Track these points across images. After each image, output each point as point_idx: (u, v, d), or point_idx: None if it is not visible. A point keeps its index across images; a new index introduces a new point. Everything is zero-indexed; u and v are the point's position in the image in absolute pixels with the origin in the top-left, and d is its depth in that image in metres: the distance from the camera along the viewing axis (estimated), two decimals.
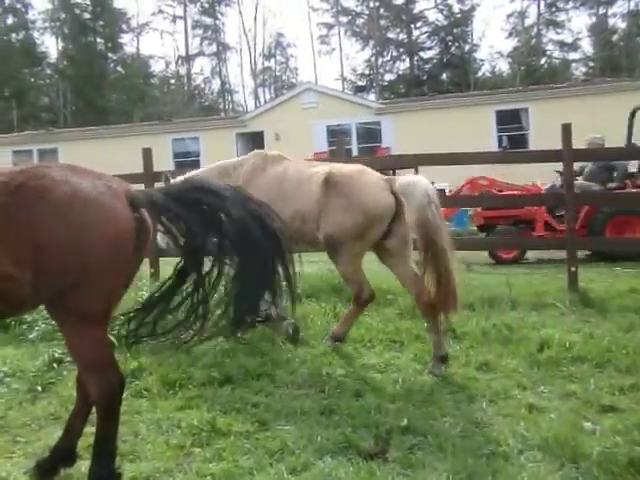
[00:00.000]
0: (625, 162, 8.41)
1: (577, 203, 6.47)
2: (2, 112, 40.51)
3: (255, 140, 17.82)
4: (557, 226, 8.19)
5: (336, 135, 17.98)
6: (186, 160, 17.59)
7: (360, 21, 40.36)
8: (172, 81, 48.00)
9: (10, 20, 41.40)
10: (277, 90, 45.48)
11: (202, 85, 46.41)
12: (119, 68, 44.71)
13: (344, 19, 41.08)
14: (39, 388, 3.46)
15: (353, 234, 3.90)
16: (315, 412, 3.17)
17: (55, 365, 3.71)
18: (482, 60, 40.55)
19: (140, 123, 25.03)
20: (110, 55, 44.41)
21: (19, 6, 41.49)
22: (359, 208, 3.86)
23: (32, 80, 42.95)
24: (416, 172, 10.48)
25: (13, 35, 41.27)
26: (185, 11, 44.37)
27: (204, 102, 45.38)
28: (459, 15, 38.12)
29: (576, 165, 7.11)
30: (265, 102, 35.46)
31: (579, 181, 8.10)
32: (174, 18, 44.96)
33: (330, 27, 42.15)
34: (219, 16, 44.90)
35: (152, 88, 45.86)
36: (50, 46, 46.20)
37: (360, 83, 39.57)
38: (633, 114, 8.99)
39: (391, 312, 5.03)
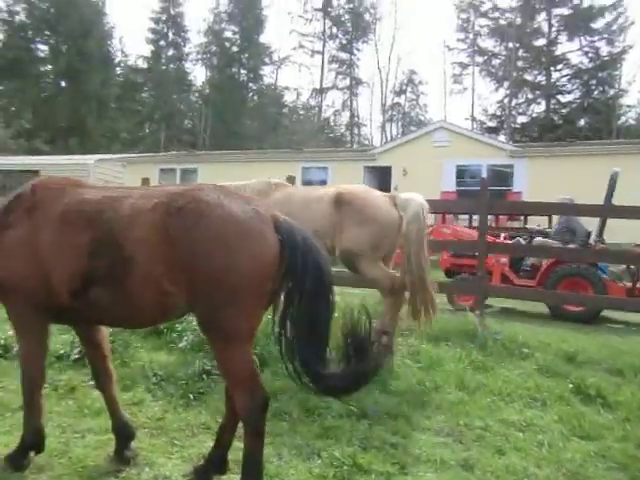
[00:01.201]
0: (585, 227, 8.46)
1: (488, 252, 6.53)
2: (152, 133, 44.93)
3: (383, 174, 18.02)
4: (514, 279, 8.33)
5: (464, 175, 17.77)
6: None
7: (496, 61, 39.64)
8: (303, 112, 50.32)
9: (170, 52, 46.01)
10: (405, 126, 45.93)
11: (332, 117, 48.12)
12: (256, 97, 47.75)
13: (480, 59, 40.61)
14: (191, 396, 3.69)
15: (371, 245, 4.35)
16: (455, 464, 3.07)
17: (204, 376, 3.94)
18: (629, 106, 37.86)
19: (273, 150, 26.41)
20: (250, 85, 47.66)
21: (179, 40, 46.05)
22: (373, 221, 4.34)
23: (179, 105, 47.20)
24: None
25: (170, 65, 45.76)
26: (324, 46, 46.59)
27: (332, 134, 46.96)
28: (607, 58, 35.97)
29: None
30: (394, 137, 35.86)
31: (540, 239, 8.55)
32: (312, 53, 47.34)
33: (464, 66, 41.87)
34: (355, 52, 46.55)
35: (284, 117, 48.37)
36: (198, 75, 50.71)
37: (490, 124, 38.62)
38: None
39: (528, 366, 4.76)
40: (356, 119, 47.81)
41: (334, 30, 46.44)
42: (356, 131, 48.35)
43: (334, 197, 4.43)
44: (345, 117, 48.19)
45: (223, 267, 2.28)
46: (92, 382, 3.79)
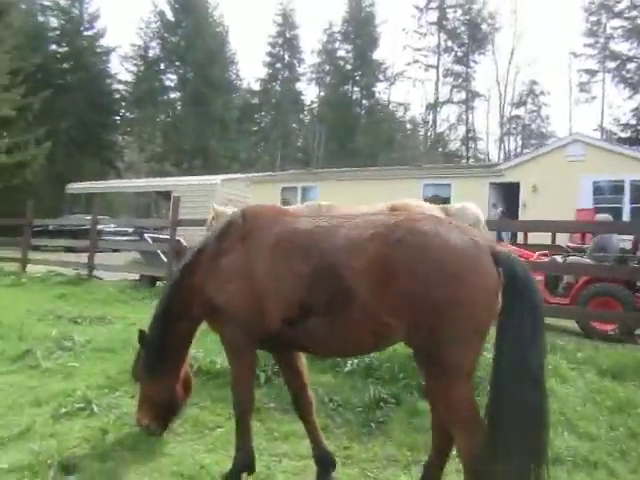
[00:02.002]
0: (615, 244, 8.10)
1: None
2: (269, 152, 46.91)
3: (510, 191, 17.22)
4: (548, 297, 8.03)
5: (603, 192, 16.47)
6: None
7: (631, 66, 36.62)
8: (416, 127, 49.88)
9: (285, 73, 47.98)
10: (525, 139, 43.88)
11: (446, 131, 47.23)
12: (370, 114, 48.17)
13: (611, 64, 37.80)
14: (372, 425, 3.65)
15: None
16: None
17: (382, 404, 3.88)
18: None
19: (391, 167, 26.31)
20: (364, 102, 48.20)
21: (294, 61, 47.93)
22: None
23: (294, 125, 48.93)
24: None
25: (285, 86, 47.68)
26: (439, 60, 45.99)
27: (447, 148, 46.05)
28: None
29: None
30: (521, 152, 34.25)
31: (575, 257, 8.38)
32: (427, 67, 46.88)
33: (593, 73, 39.24)
34: (471, 64, 45.44)
35: (398, 133, 48.25)
36: (311, 95, 52.25)
37: (623, 134, 35.65)
38: None
39: None
40: (472, 133, 46.54)
41: (449, 43, 45.75)
42: (472, 145, 47.06)
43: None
44: (461, 131, 47.14)
45: (450, 300, 2.20)
46: (272, 404, 3.93)
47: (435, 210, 4.46)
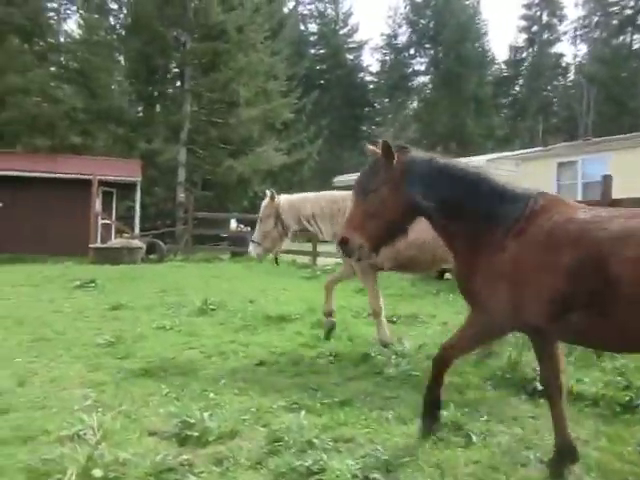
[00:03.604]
0: None
1: None
2: (527, 126, 43.21)
3: None
4: None
5: None
6: None
7: None
8: None
9: (544, 36, 43.44)
10: None
11: None
12: None
13: None
14: None
15: None
16: None
17: None
18: None
19: None
20: None
21: (554, 21, 43.05)
22: None
23: (555, 93, 44.04)
24: None
25: (545, 50, 43.17)
26: None
27: None
28: None
29: None
30: None
31: None
32: None
33: None
34: None
35: None
36: (571, 56, 46.27)
37: None
38: None
39: None
40: None
41: None
42: None
43: None
44: None
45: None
46: None
47: None
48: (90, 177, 16.96)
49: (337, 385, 4.20)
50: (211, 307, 7.09)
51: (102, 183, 18.25)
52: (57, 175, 18.48)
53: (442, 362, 3.02)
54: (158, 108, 29.42)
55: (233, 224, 20.40)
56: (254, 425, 3.40)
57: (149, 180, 22.51)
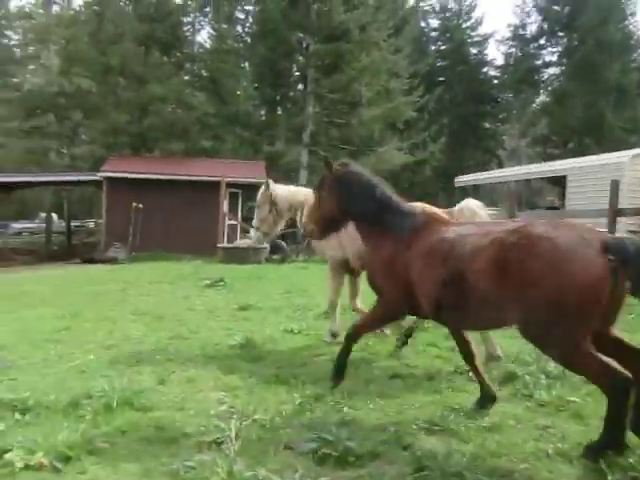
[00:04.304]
0: None
1: None
2: None
3: None
4: None
5: None
6: None
7: None
8: None
9: None
10: None
11: None
12: None
13: None
14: None
15: None
16: None
17: None
18: None
19: None
20: None
21: None
22: None
23: None
24: None
25: None
26: None
27: None
28: None
29: None
30: None
31: None
32: None
33: None
34: None
35: None
36: None
37: None
38: None
39: None
40: None
41: None
42: None
43: None
44: None
45: (553, 289, 2.68)
46: None
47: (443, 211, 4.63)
48: (219, 179, 17.79)
49: (481, 406, 3.80)
50: None
51: (229, 185, 19.08)
52: (190, 177, 19.67)
53: (352, 338, 3.89)
54: (279, 111, 30.33)
55: None
56: (395, 447, 3.14)
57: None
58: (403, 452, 3.06)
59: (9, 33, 40.26)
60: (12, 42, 39.08)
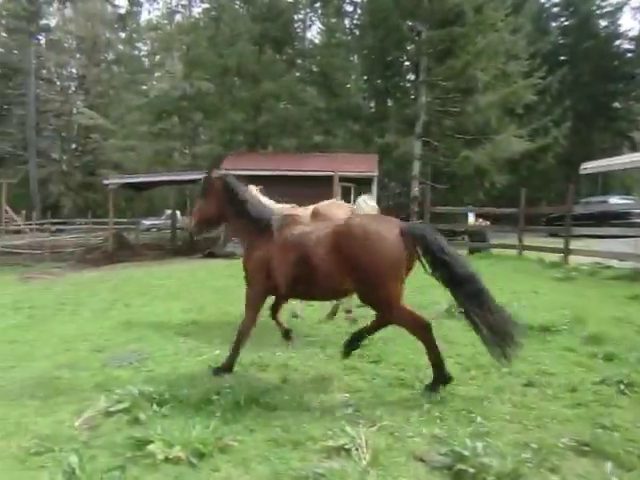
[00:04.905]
0: None
1: None
2: None
3: None
4: None
5: None
6: None
7: None
8: None
9: None
10: None
11: None
12: None
13: None
14: None
15: None
16: None
17: None
18: None
19: None
20: None
21: None
22: None
23: None
24: None
25: None
26: None
27: None
28: None
29: None
30: None
31: None
32: None
33: None
34: None
35: None
36: None
37: None
38: None
39: None
40: None
41: None
42: None
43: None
44: None
45: (367, 261, 3.76)
46: None
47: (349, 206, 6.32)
48: (332, 174, 17.88)
49: (638, 427, 3.34)
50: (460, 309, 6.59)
51: (342, 179, 19.12)
52: (304, 173, 19.99)
53: (242, 333, 4.45)
54: (389, 102, 29.85)
55: (471, 218, 19.47)
56: (539, 468, 2.84)
57: (383, 174, 22.90)
58: (551, 475, 2.75)
59: (139, 45, 43.73)
60: (142, 53, 42.41)
